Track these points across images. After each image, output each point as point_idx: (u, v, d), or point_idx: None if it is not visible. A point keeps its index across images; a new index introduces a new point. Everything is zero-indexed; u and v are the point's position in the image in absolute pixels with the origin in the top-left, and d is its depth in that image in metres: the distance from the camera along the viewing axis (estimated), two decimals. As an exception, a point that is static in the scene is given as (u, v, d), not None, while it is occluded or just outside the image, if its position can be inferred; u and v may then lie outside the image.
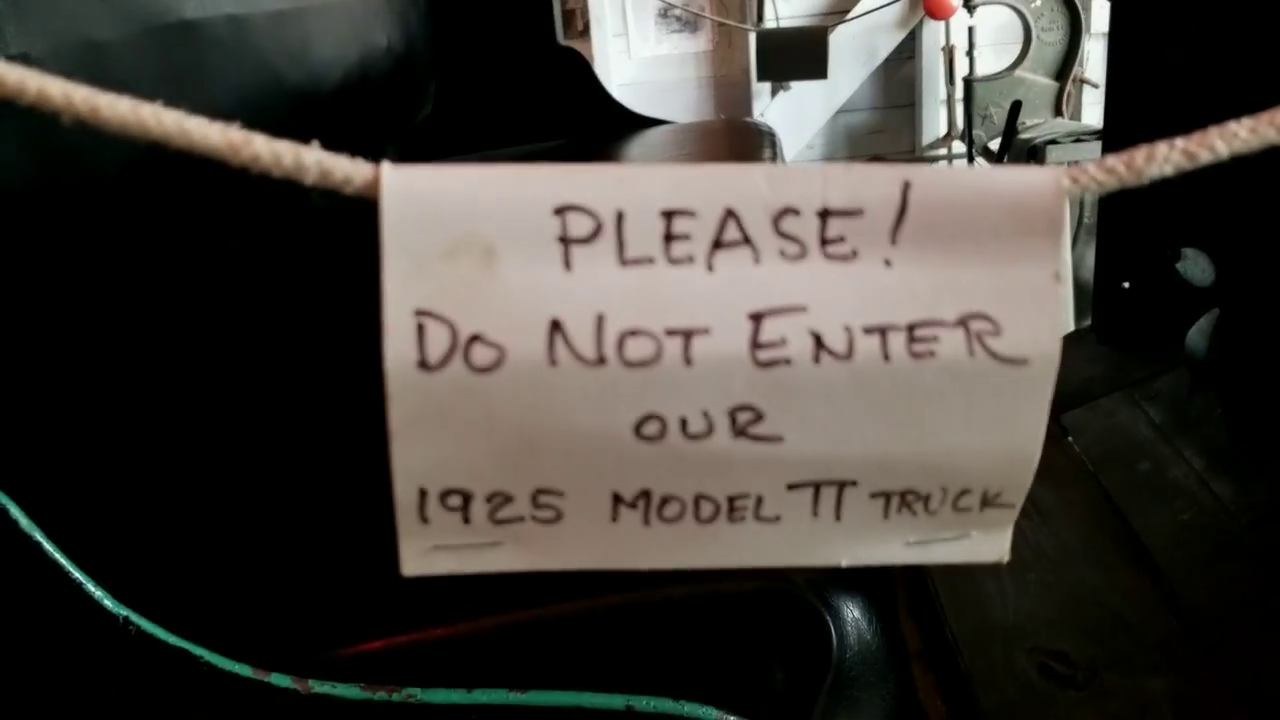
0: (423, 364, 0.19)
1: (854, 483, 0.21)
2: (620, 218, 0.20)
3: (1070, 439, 1.30)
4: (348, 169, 0.19)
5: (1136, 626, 0.98)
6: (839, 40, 2.67)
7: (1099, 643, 0.96)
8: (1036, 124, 2.36)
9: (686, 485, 0.21)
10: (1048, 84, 2.36)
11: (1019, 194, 0.20)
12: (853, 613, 0.37)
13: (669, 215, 0.20)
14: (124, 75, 0.78)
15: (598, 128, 1.59)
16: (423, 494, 0.21)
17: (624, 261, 0.20)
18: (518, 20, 1.58)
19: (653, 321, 0.20)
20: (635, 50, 2.85)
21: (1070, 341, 1.53)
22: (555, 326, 0.19)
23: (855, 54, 2.67)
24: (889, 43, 2.66)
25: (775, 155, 1.27)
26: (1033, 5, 2.41)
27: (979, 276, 0.20)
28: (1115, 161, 0.20)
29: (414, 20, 1.38)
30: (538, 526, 0.21)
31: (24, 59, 0.67)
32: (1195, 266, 1.18)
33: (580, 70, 1.61)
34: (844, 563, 0.22)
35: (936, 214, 0.20)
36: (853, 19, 2.65)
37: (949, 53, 2.53)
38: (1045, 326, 0.20)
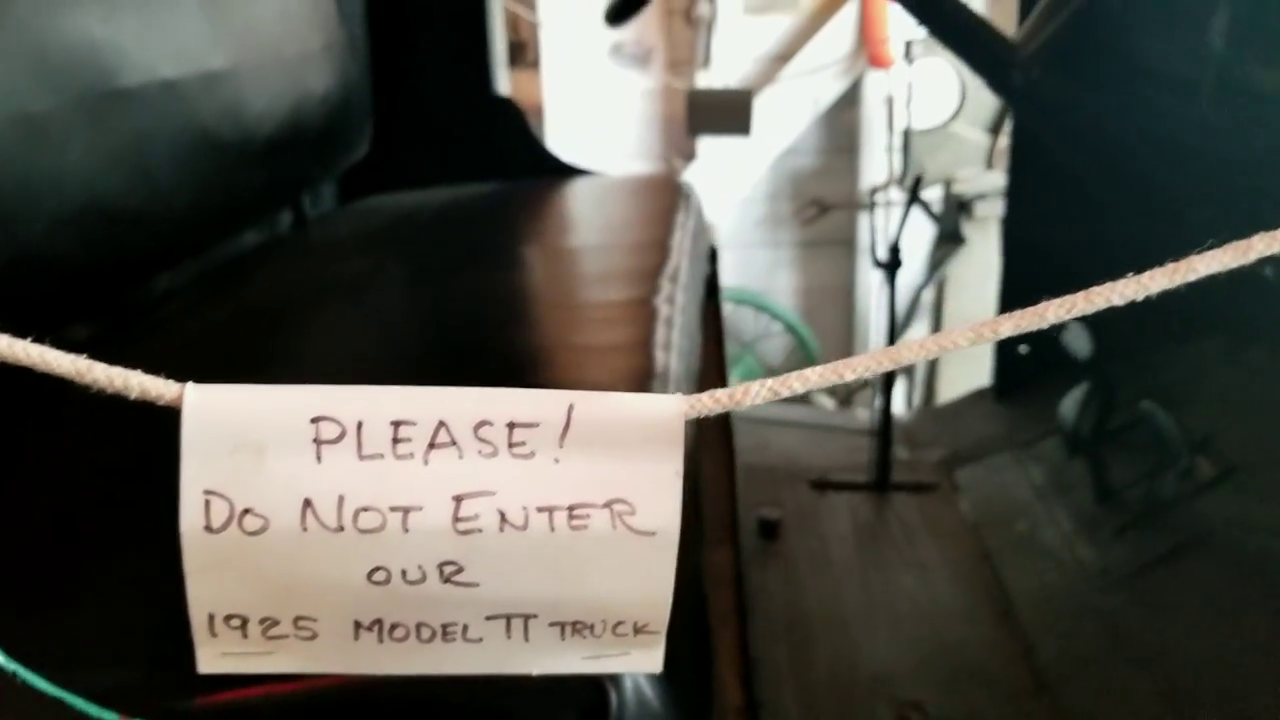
0: (208, 528, 0.27)
1: (535, 615, 0.30)
2: (360, 425, 0.28)
3: (959, 495, 1.41)
4: (160, 388, 0.27)
5: (993, 680, 1.08)
6: (784, 84, 2.79)
7: (955, 695, 1.06)
8: (969, 177, 2.50)
9: (409, 616, 0.29)
10: (981, 138, 2.49)
11: (652, 415, 0.29)
12: (635, 680, 0.45)
13: (397, 424, 0.28)
14: (59, 144, 0.85)
15: (528, 173, 1.67)
16: (211, 617, 0.29)
17: (361, 457, 0.28)
18: (456, 69, 1.67)
19: (381, 501, 0.28)
20: (585, 84, 2.95)
21: (971, 400, 1.64)
22: (307, 503, 0.28)
23: (801, 98, 2.79)
24: (834, 89, 2.78)
25: (689, 211, 1.36)
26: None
27: (622, 471, 0.29)
28: (721, 394, 0.29)
29: (353, 70, 1.45)
30: (299, 642, 0.29)
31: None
32: (1076, 339, 1.29)
33: (513, 118, 1.70)
34: (534, 672, 0.31)
35: (593, 426, 0.29)
36: (798, 62, 2.77)
37: (890, 102, 2.66)
38: (669, 509, 0.29)
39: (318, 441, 0.28)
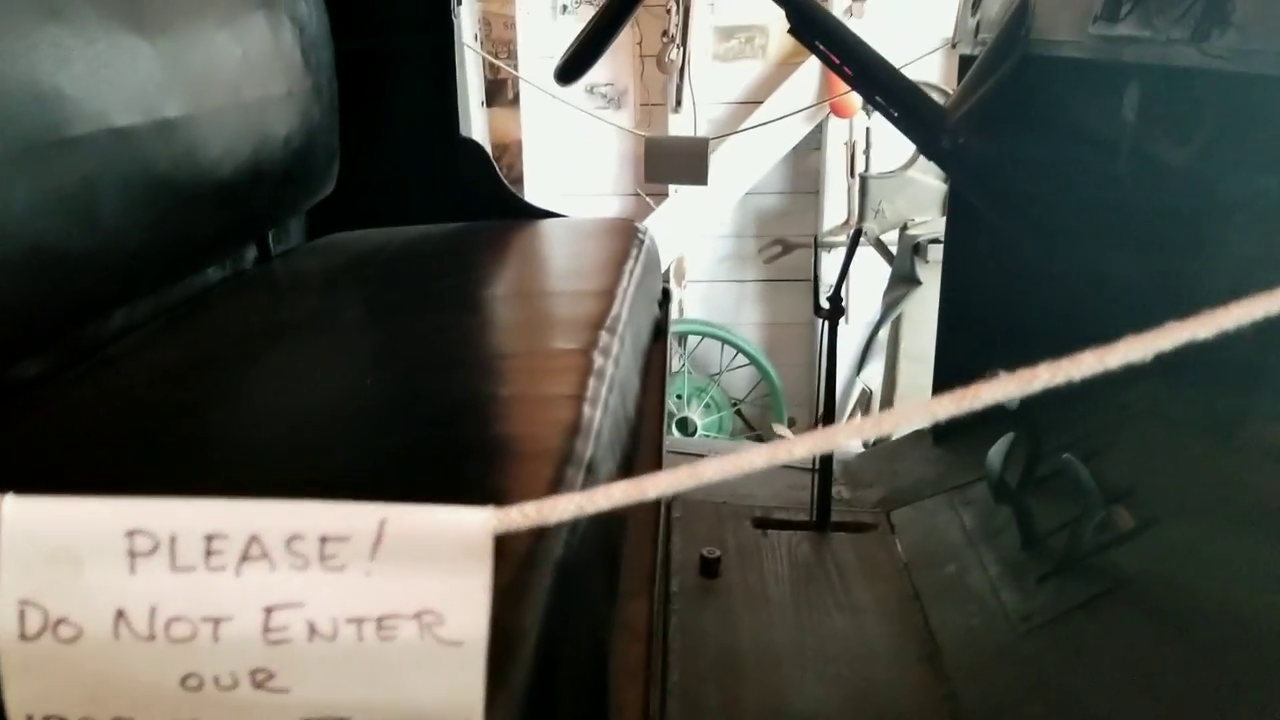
0: (22, 636, 0.28)
1: (349, 718, 0.30)
2: (174, 538, 0.28)
3: (895, 536, 1.41)
4: (-23, 500, 0.28)
5: (914, 723, 1.08)
6: (756, 120, 2.82)
7: (878, 737, 1.06)
8: (924, 221, 2.53)
9: (223, 718, 0.29)
10: (935, 184, 2.53)
11: (462, 530, 0.29)
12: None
13: (210, 537, 0.28)
14: (5, 194, 0.85)
15: (493, 213, 1.68)
16: (29, 717, 0.29)
17: (174, 569, 0.28)
18: (425, 111, 1.68)
19: (192, 611, 0.28)
20: (563, 121, 2.97)
21: (911, 441, 1.66)
22: (120, 614, 0.28)
23: (767, 141, 2.82)
24: (798, 133, 2.82)
25: (640, 257, 1.37)
26: (925, 112, 2.58)
27: (432, 584, 0.29)
28: (530, 509, 0.30)
29: (317, 111, 1.46)
30: (119, 741, 0.30)
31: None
32: (1006, 388, 1.30)
33: (479, 160, 1.71)
34: (350, 769, 0.31)
35: (404, 540, 0.29)
36: (765, 108, 2.80)
37: (850, 148, 2.69)
38: (477, 620, 0.29)
39: (132, 554, 0.28)
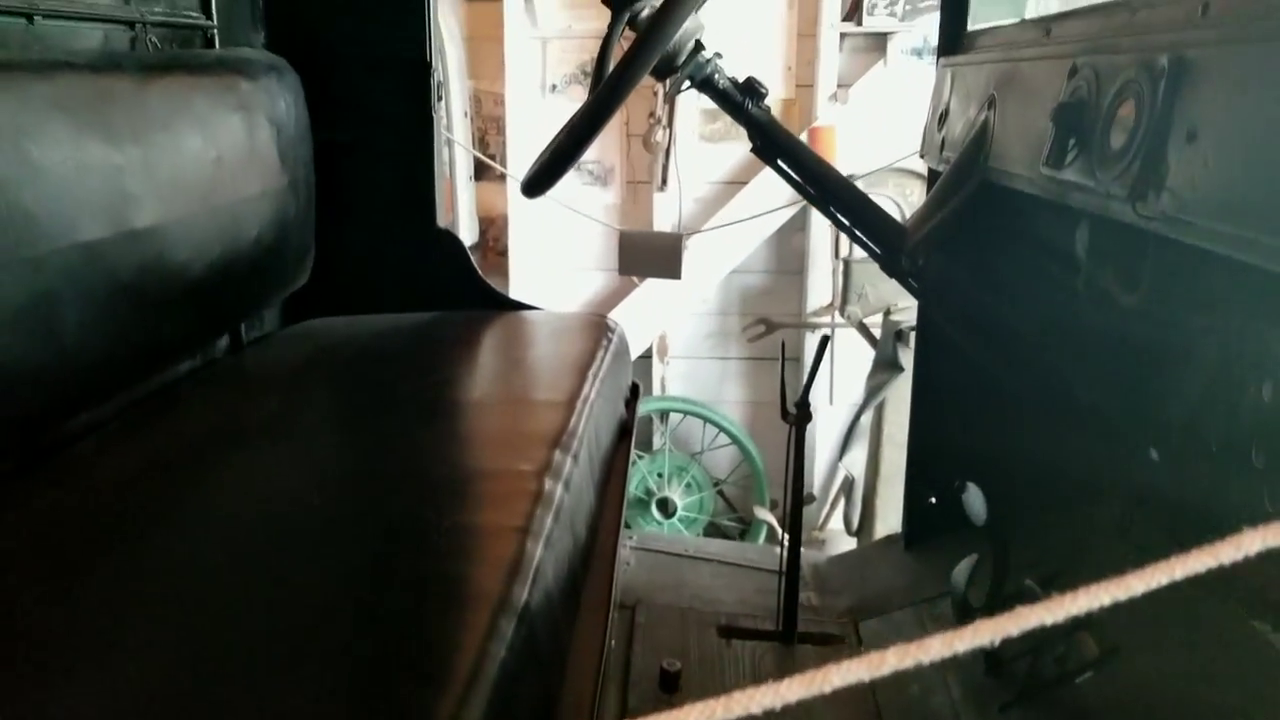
0: None
1: None
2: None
3: (862, 649, 1.41)
4: None
5: None
6: (736, 206, 2.87)
7: None
8: (906, 307, 2.56)
9: None
10: (919, 271, 2.56)
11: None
12: None
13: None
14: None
15: (467, 302, 1.70)
16: None
17: None
18: (403, 202, 1.71)
19: None
20: (550, 196, 3.01)
21: (882, 546, 1.66)
22: None
23: (751, 221, 2.87)
24: (783, 214, 2.86)
25: (607, 357, 1.39)
26: (909, 197, 2.64)
27: None
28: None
29: (292, 208, 1.49)
30: None
31: None
32: (974, 503, 1.31)
33: (455, 251, 1.74)
34: None
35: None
36: (750, 188, 2.85)
37: (835, 231, 2.74)
38: None
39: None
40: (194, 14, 1.54)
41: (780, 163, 1.16)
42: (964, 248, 1.17)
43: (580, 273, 3.06)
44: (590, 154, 2.99)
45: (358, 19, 1.70)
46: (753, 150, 1.16)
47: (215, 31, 1.57)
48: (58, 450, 1.10)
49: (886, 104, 2.84)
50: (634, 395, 1.55)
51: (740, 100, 1.13)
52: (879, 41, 2.84)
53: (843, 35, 2.82)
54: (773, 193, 2.81)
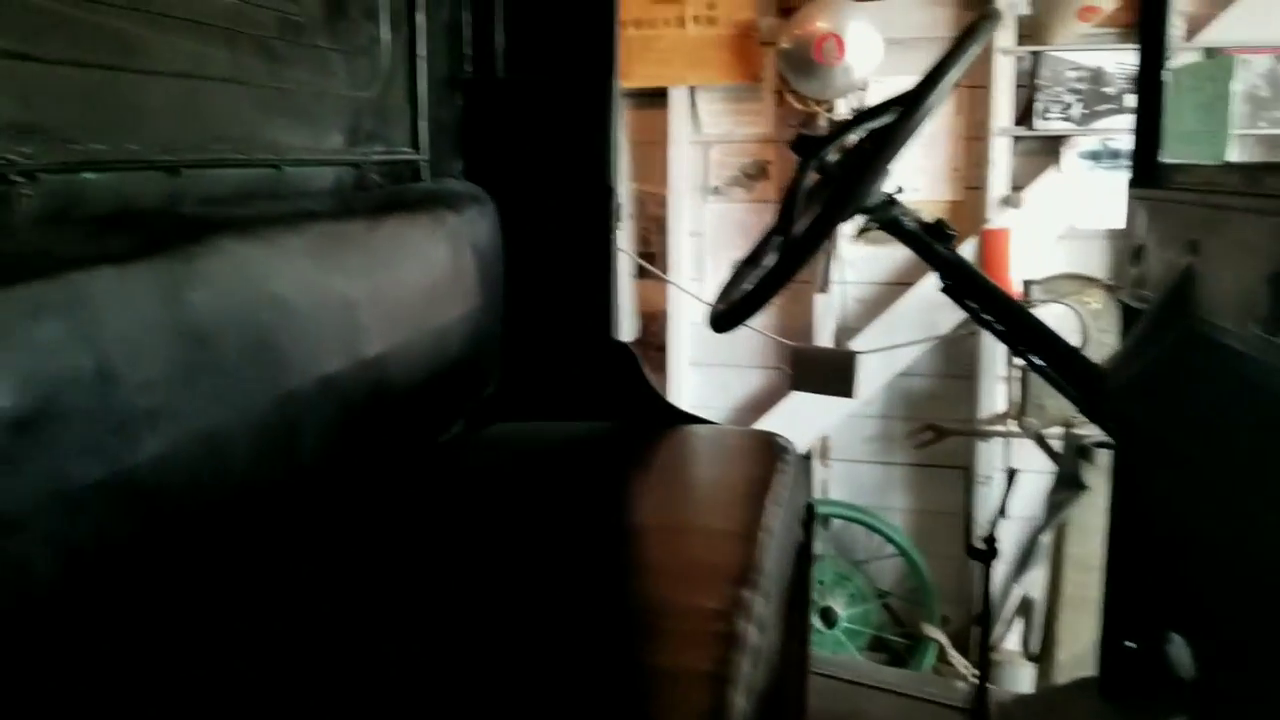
0: None
1: None
2: None
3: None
4: None
5: None
6: (903, 308, 2.89)
7: None
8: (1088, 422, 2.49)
9: None
10: (1103, 381, 2.49)
11: None
12: None
13: None
14: (226, 452, 1.01)
15: (638, 415, 1.80)
16: None
17: None
18: (582, 317, 1.84)
19: None
20: (707, 293, 3.12)
21: (1075, 690, 1.60)
22: None
23: (920, 321, 2.87)
24: (953, 316, 2.86)
25: (784, 479, 1.43)
26: (1090, 307, 2.59)
27: None
28: None
29: (487, 326, 1.64)
30: None
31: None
32: (1180, 656, 1.27)
33: (629, 364, 1.85)
34: None
35: None
36: (918, 288, 2.87)
37: (1008, 336, 2.70)
38: None
39: None
40: (406, 150, 1.74)
41: (970, 301, 1.20)
42: (1166, 394, 1.17)
43: (738, 370, 3.14)
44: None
45: (546, 146, 1.87)
46: (942, 289, 1.21)
47: (423, 164, 1.76)
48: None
49: (1061, 209, 2.82)
50: (810, 517, 1.59)
51: (928, 242, 1.18)
52: (1052, 145, 2.83)
53: (1014, 139, 2.83)
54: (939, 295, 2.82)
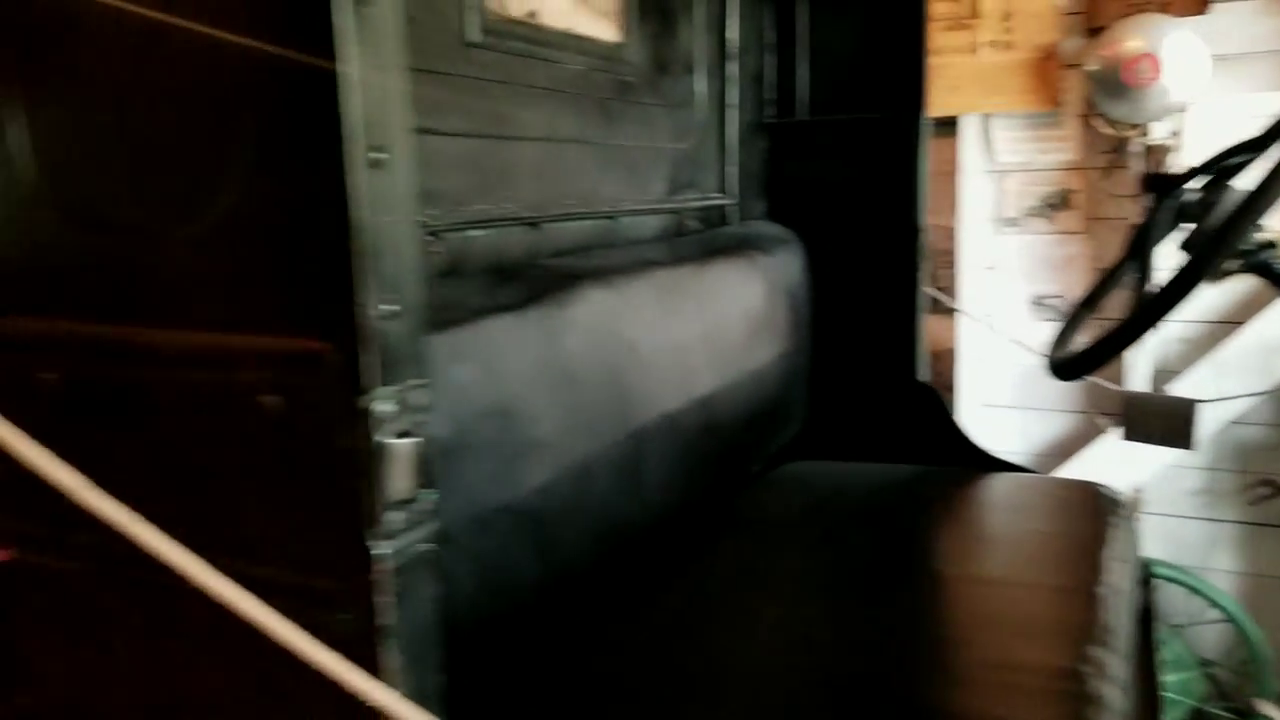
0: None
1: None
2: None
3: None
4: None
5: None
6: (1238, 347, 2.63)
7: None
8: None
9: None
10: None
11: None
12: None
13: None
14: (592, 480, 1.12)
15: (948, 459, 1.76)
16: None
17: None
18: (886, 359, 1.84)
19: None
20: (1002, 330, 3.00)
21: None
22: None
23: (1253, 365, 2.61)
24: (1295, 358, 2.57)
25: (1119, 536, 1.35)
26: None
27: None
28: None
29: (798, 367, 1.69)
30: None
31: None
32: None
33: (934, 405, 1.82)
34: None
35: None
36: (1252, 329, 2.60)
37: (1369, 381, 2.39)
38: None
39: None
40: (716, 195, 1.84)
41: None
42: None
43: (1039, 413, 2.98)
44: (1052, 286, 2.95)
45: (851, 185, 1.90)
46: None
47: (730, 207, 1.85)
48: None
49: None
50: (1147, 575, 1.49)
51: (1304, 288, 1.09)
52: None
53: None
54: (1277, 336, 2.54)
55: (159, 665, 0.68)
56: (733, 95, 1.88)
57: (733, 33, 1.87)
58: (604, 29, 1.51)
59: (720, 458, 1.44)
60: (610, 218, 1.51)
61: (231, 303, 0.59)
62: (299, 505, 0.58)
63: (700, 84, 1.79)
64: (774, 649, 1.12)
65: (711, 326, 1.42)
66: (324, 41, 0.52)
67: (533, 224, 1.32)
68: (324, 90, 0.52)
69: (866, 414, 1.89)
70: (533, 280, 1.13)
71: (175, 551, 0.49)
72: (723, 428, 1.43)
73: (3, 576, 0.72)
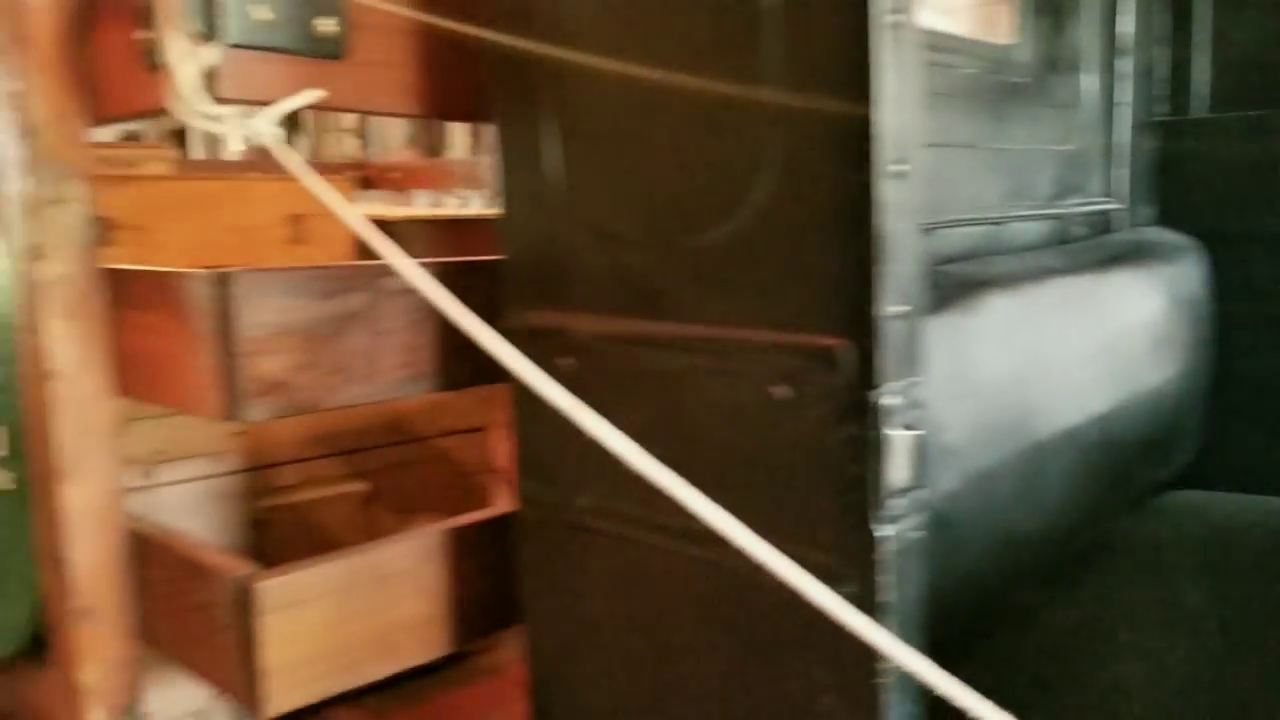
0: None
1: None
2: None
3: None
4: None
5: None
6: None
7: None
8: None
9: None
10: None
11: None
12: None
13: None
14: (995, 491, 1.11)
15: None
16: None
17: None
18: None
19: None
20: None
21: None
22: None
23: None
24: None
25: None
26: None
27: None
28: None
29: (1194, 391, 1.56)
30: None
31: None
32: None
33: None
34: None
35: None
36: None
37: None
38: None
39: None
40: (1102, 199, 1.75)
41: None
42: None
43: None
44: None
45: (1259, 189, 1.72)
46: None
47: (1118, 212, 1.75)
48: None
49: None
50: None
51: None
52: None
53: None
54: None
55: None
56: (1123, 92, 1.77)
57: (1126, 26, 1.76)
58: (998, 32, 1.49)
59: (1115, 480, 1.37)
60: (996, 224, 1.49)
61: (745, 300, 0.66)
62: (805, 487, 0.64)
63: (1089, 81, 1.71)
64: (1183, 689, 1.06)
65: (1111, 340, 1.36)
66: (860, 65, 0.58)
67: (925, 230, 1.34)
68: (857, 104, 0.58)
69: (1268, 444, 1.71)
70: (939, 287, 1.15)
71: (731, 525, 0.56)
72: (1118, 448, 1.36)
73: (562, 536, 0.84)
